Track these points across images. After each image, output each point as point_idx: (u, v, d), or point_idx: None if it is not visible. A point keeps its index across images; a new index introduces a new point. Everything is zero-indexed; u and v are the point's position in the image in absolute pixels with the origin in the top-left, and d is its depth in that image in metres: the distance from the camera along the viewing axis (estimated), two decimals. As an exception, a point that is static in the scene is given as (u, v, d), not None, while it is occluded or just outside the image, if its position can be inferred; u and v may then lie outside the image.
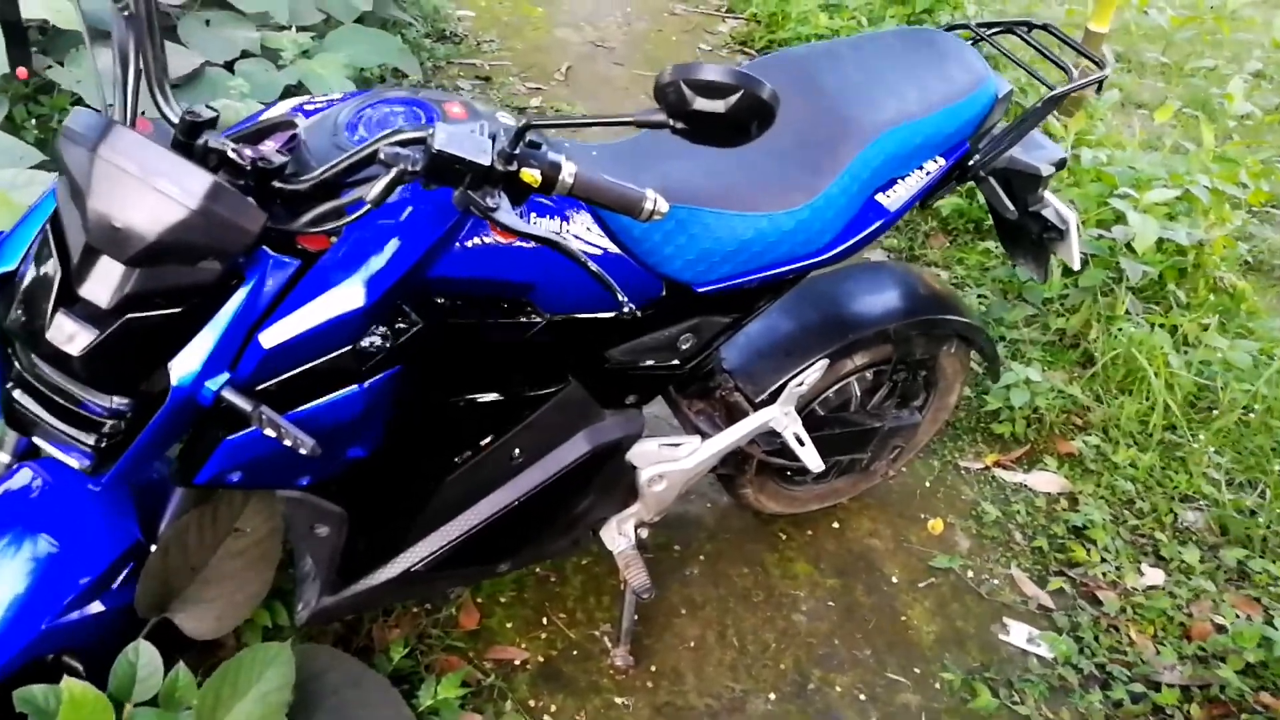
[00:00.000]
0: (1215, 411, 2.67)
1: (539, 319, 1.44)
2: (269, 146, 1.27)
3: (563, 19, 5.00)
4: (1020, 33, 1.85)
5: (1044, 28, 1.84)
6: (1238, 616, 2.15)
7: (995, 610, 2.18)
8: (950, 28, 1.85)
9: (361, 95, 1.39)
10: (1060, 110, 3.26)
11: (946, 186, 1.77)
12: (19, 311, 1.15)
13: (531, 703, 1.87)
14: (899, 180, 1.65)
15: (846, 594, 2.18)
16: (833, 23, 4.57)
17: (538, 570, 2.10)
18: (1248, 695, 1.99)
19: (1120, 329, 2.79)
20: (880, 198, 1.64)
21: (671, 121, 1.11)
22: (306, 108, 1.40)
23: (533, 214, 1.37)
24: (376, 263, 1.23)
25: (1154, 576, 2.27)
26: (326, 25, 3.13)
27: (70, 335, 1.10)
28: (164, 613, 1.48)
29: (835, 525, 2.34)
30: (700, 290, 1.57)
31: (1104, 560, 2.30)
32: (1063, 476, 2.53)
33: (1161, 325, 2.80)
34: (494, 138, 1.13)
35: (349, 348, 1.24)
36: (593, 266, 1.26)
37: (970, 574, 2.27)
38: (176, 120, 1.20)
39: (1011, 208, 1.83)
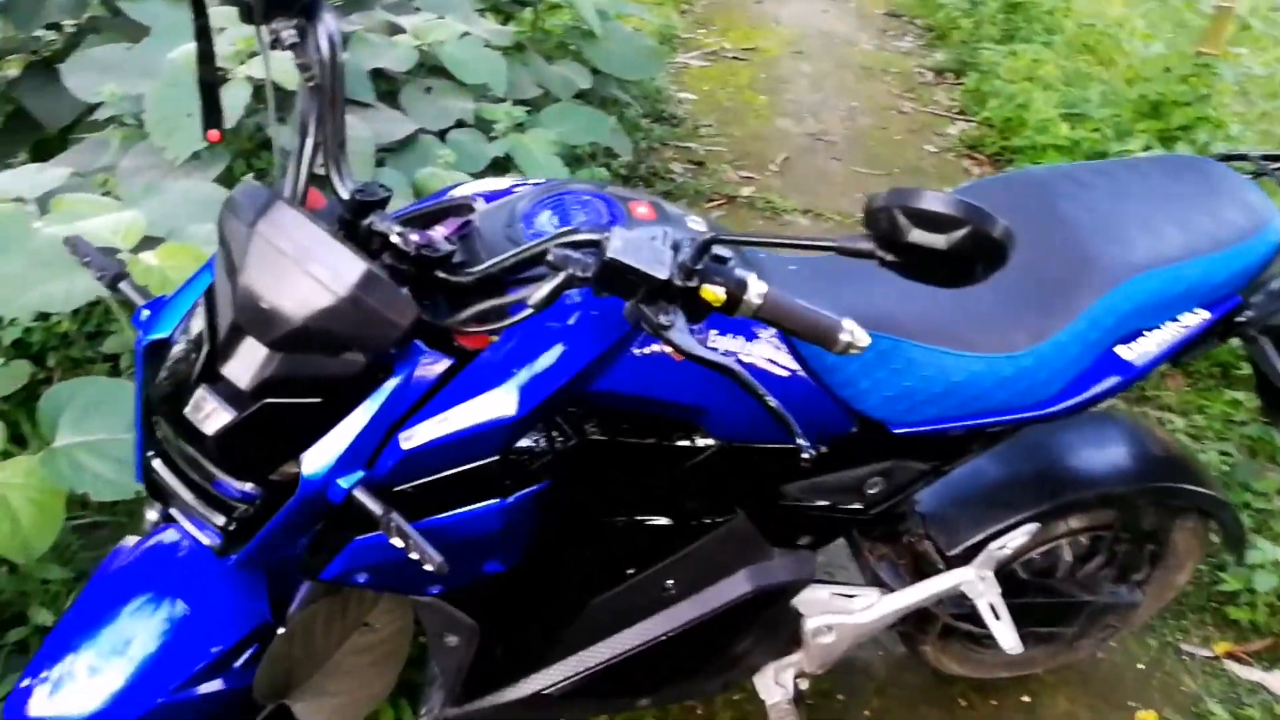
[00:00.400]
0: None
1: (708, 444, 1.29)
2: (439, 232, 1.18)
3: (785, 108, 4.92)
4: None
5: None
6: None
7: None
8: (1225, 158, 1.61)
9: (545, 185, 1.30)
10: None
11: (1207, 343, 1.52)
12: (164, 381, 1.11)
13: None
14: (1146, 333, 1.42)
15: (1029, 782, 1.90)
16: (1074, 133, 4.27)
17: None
18: None
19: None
20: (1122, 350, 1.41)
21: (880, 252, 0.95)
22: (492, 190, 1.33)
23: (713, 330, 1.24)
24: (535, 369, 1.12)
25: None
26: (544, 100, 3.13)
27: (207, 414, 1.04)
28: (282, 699, 1.41)
29: (1025, 699, 2.06)
30: (897, 432, 1.39)
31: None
32: (1312, 681, 2.14)
33: None
34: (676, 248, 1.01)
35: (495, 458, 1.13)
36: (771, 403, 1.11)
37: (1185, 786, 1.93)
38: (347, 197, 1.16)
39: None
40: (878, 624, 1.61)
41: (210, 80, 1.31)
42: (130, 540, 1.43)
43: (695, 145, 4.37)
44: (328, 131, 1.19)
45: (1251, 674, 2.17)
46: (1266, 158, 1.61)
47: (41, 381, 2.09)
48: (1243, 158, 1.63)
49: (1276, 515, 2.52)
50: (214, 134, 1.33)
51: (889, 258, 0.95)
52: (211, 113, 1.33)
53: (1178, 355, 1.49)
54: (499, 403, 1.11)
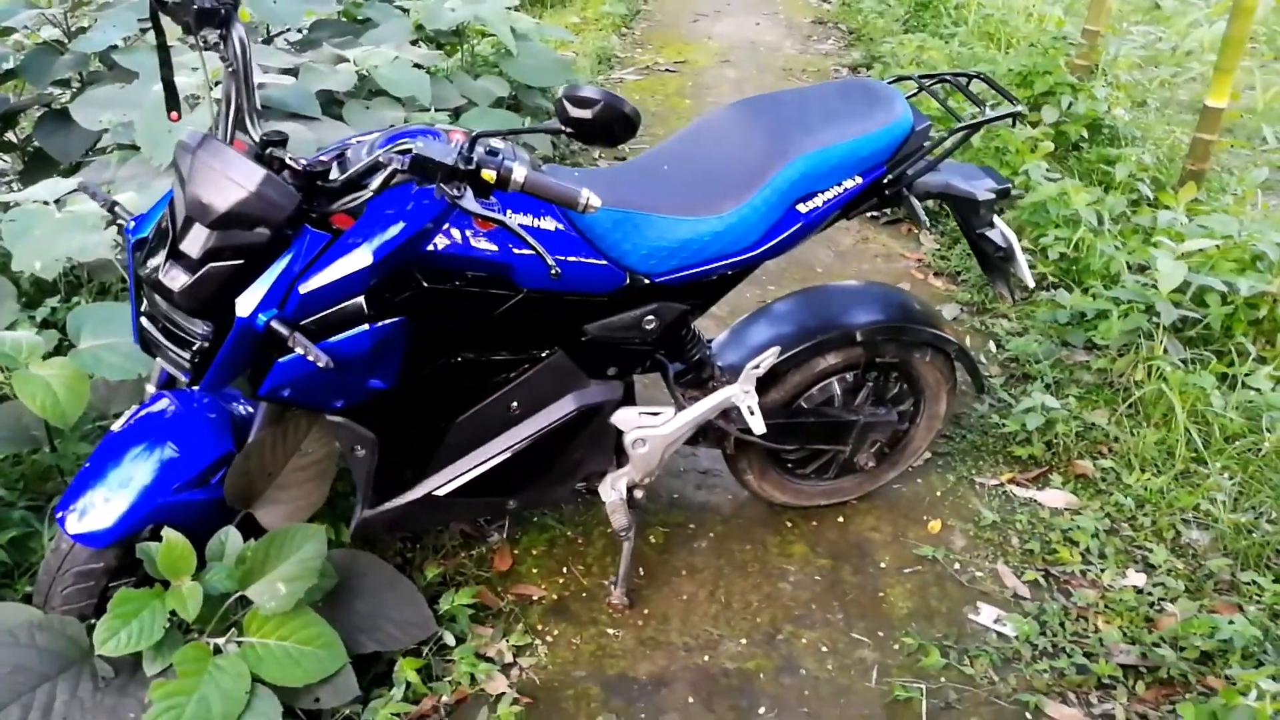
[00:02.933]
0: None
1: (515, 293, 1.90)
2: (325, 158, 1.81)
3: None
4: (959, 84, 2.21)
5: (979, 77, 2.19)
6: (1210, 613, 2.29)
7: (972, 596, 2.42)
8: (895, 80, 2.23)
9: (398, 128, 1.93)
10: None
11: (868, 202, 2.14)
12: (147, 263, 1.72)
13: (539, 627, 2.29)
14: (818, 194, 2.04)
15: (834, 572, 2.48)
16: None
17: (568, 532, 2.54)
18: (1192, 677, 2.14)
19: (1158, 369, 2.96)
20: (800, 207, 2.03)
21: (561, 126, 1.57)
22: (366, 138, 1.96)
23: (509, 209, 1.85)
24: (383, 235, 1.73)
25: (1135, 579, 2.43)
26: (469, 108, 3.79)
27: (174, 278, 1.65)
28: (248, 508, 2.02)
29: (840, 520, 2.64)
30: (656, 280, 2.00)
31: (1088, 563, 2.49)
32: (1072, 494, 2.72)
33: (1196, 365, 2.94)
34: (459, 149, 1.63)
35: (360, 297, 1.75)
36: (530, 239, 1.72)
37: (957, 566, 2.51)
38: (258, 139, 1.78)
39: (925, 220, 2.17)
40: (679, 433, 2.21)
41: (168, 77, 1.95)
42: (133, 408, 2.04)
43: (621, 148, 5.01)
44: (243, 99, 1.81)
45: (1026, 493, 2.75)
46: (924, 77, 2.24)
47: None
48: (907, 78, 2.25)
49: (1065, 381, 3.11)
50: (174, 115, 1.97)
51: (567, 130, 1.57)
52: (171, 98, 1.96)
53: (846, 208, 2.11)
54: (360, 258, 1.72)
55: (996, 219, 2.23)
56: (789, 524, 2.62)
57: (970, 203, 2.17)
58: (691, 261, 2.00)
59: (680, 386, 2.31)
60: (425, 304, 1.82)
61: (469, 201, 1.64)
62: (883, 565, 2.51)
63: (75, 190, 2.71)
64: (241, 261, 1.67)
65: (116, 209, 1.86)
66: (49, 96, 3.64)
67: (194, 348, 1.72)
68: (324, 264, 1.71)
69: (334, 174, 1.77)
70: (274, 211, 1.63)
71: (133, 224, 1.81)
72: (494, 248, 1.85)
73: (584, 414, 2.11)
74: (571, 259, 1.91)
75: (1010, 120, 2.13)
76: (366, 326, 1.77)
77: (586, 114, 1.53)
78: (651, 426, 2.19)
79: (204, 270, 1.64)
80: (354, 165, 1.78)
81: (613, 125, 1.55)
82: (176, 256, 1.66)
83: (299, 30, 4.08)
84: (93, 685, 1.80)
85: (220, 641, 1.85)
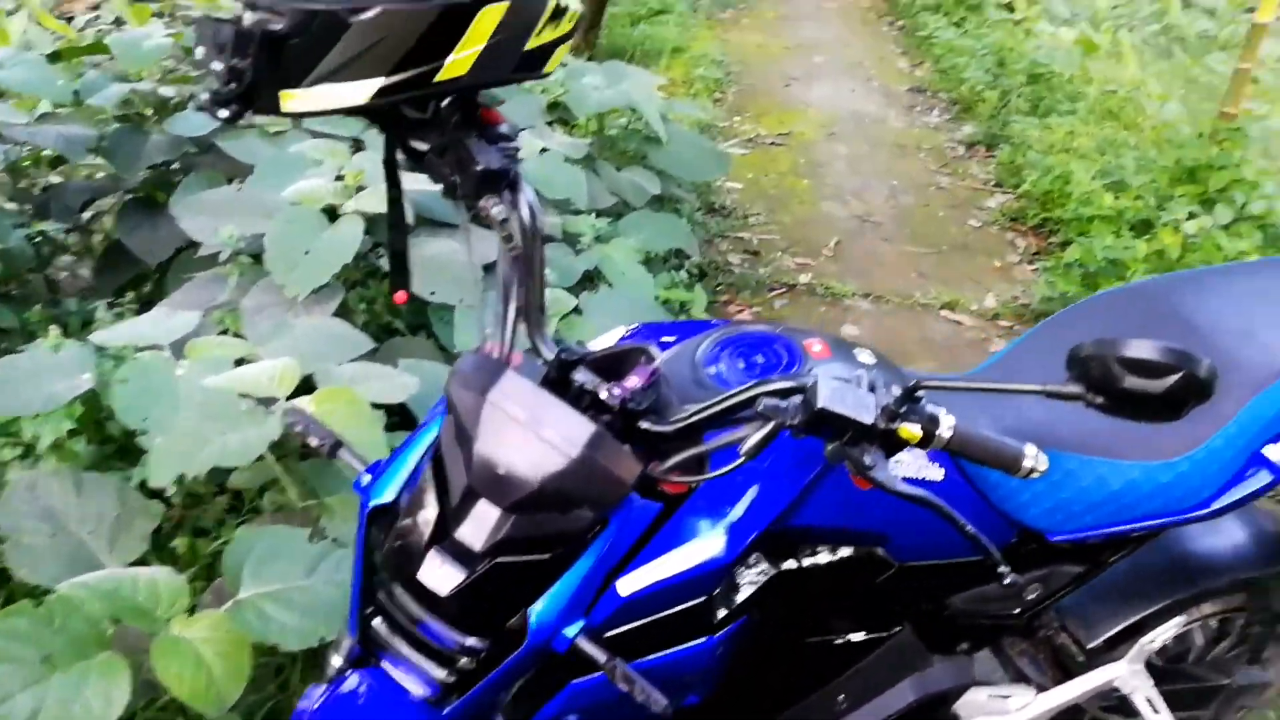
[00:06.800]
0: None
1: (889, 566, 1.35)
2: (634, 383, 1.25)
3: (828, 193, 5.04)
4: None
5: None
6: None
7: None
8: None
9: (717, 327, 1.38)
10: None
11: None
12: (394, 545, 1.16)
13: None
14: (1288, 433, 1.49)
15: None
16: (1118, 203, 4.36)
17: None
18: None
19: None
20: (1270, 451, 1.47)
21: (1090, 396, 1.02)
22: (662, 340, 1.40)
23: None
24: (741, 512, 1.19)
25: None
26: (618, 208, 3.25)
27: (441, 574, 1.10)
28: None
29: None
30: (1055, 540, 1.45)
31: None
32: None
33: None
34: (873, 389, 1.08)
35: (705, 599, 1.20)
36: (969, 530, 1.17)
37: None
38: (550, 356, 1.22)
39: None
40: (1037, 724, 1.65)
41: (400, 247, 1.40)
42: (317, 690, 1.47)
43: (748, 235, 4.48)
44: (529, 297, 1.26)
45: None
46: None
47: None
48: None
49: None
50: (401, 295, 1.41)
51: (1099, 401, 1.02)
52: (400, 274, 1.41)
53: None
54: (709, 546, 1.18)
55: None
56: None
57: None
58: (1114, 520, 1.44)
59: (1008, 640, 1.75)
60: (771, 592, 1.27)
61: (884, 474, 1.09)
62: None
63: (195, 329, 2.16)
64: (547, 556, 1.12)
65: (341, 453, 1.29)
66: (132, 181, 3.08)
67: (455, 666, 1.18)
68: (655, 552, 1.18)
69: (651, 404, 1.21)
70: (611, 489, 1.09)
71: (367, 478, 1.25)
72: (870, 514, 1.30)
73: (926, 704, 1.54)
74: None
75: None
76: (707, 638, 1.22)
77: (1153, 388, 0.98)
78: (1002, 715, 1.63)
79: (490, 567, 1.09)
80: (679, 392, 1.24)
81: (1184, 400, 1.00)
82: (446, 542, 1.10)
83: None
84: None
85: None
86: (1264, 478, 1.47)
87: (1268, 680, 1.90)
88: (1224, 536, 1.80)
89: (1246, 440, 1.44)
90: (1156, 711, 1.63)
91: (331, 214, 2.44)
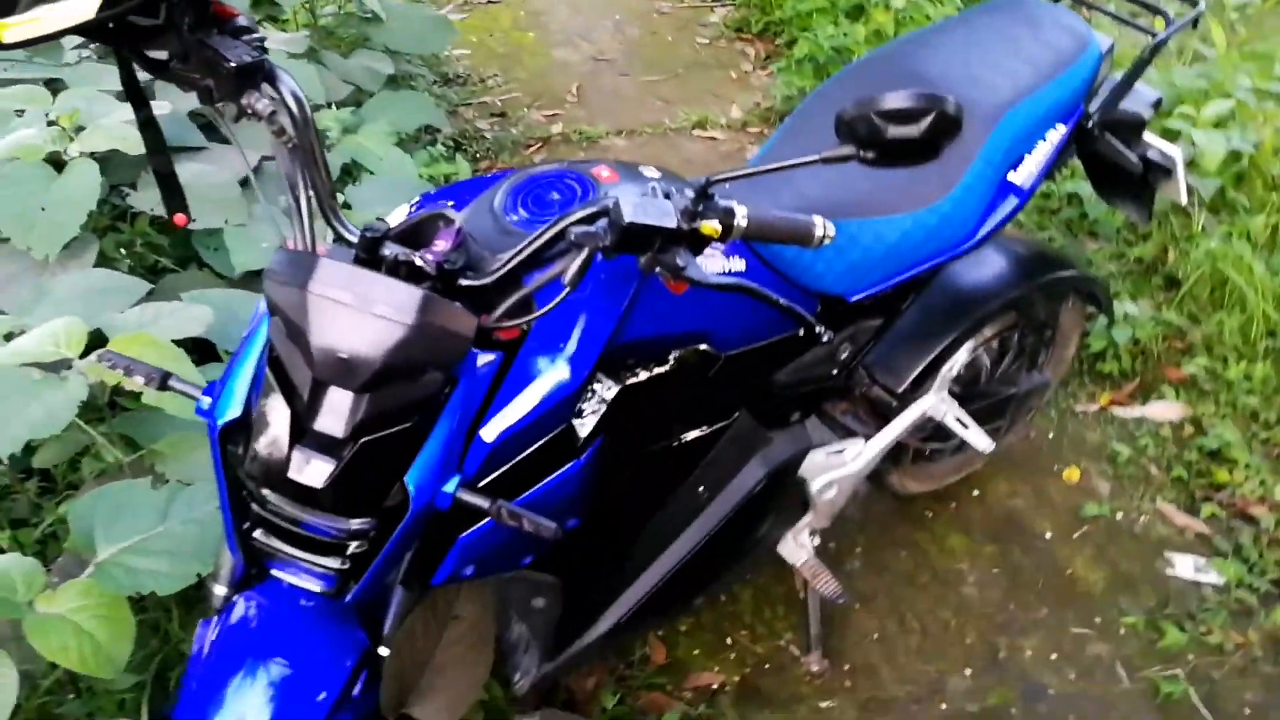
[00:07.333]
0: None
1: (717, 360, 1.46)
2: (443, 246, 1.26)
3: (556, 40, 5.00)
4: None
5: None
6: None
7: (1154, 547, 2.21)
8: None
9: (504, 177, 1.41)
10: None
11: (1069, 151, 1.79)
12: (256, 455, 1.16)
13: (741, 724, 1.90)
14: (1026, 155, 1.67)
15: (1006, 558, 2.21)
16: (827, -10, 4.54)
17: (706, 594, 2.13)
18: None
19: (1198, 246, 2.80)
20: (1013, 177, 1.66)
21: (862, 153, 1.13)
22: (448, 204, 1.42)
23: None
24: (574, 340, 1.25)
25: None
26: (361, 95, 3.14)
27: (312, 469, 1.11)
28: (404, 709, 1.51)
29: (975, 493, 2.37)
30: (853, 300, 1.60)
31: (1248, 478, 2.32)
32: (1181, 403, 2.54)
33: (1234, 234, 2.80)
34: (669, 196, 1.15)
35: (564, 426, 1.27)
36: (783, 302, 1.29)
37: (1119, 515, 2.29)
38: (355, 239, 1.22)
39: (1134, 159, 1.84)
40: (869, 466, 1.85)
41: (166, 169, 1.35)
42: (209, 625, 1.44)
43: (490, 98, 4.41)
44: (317, 185, 1.25)
45: (1132, 412, 2.56)
46: None
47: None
48: None
49: (1112, 275, 2.91)
50: (180, 218, 1.37)
51: (870, 156, 1.12)
52: (172, 197, 1.36)
53: (1052, 168, 1.76)
54: (555, 378, 1.24)
55: (1148, 135, 1.93)
56: (929, 513, 2.32)
57: (1136, 126, 1.86)
58: (899, 269, 1.60)
59: (828, 404, 1.93)
60: (619, 408, 1.36)
61: (696, 270, 1.18)
62: (1048, 536, 2.26)
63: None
64: (408, 425, 1.15)
65: (171, 383, 1.26)
66: None
67: (346, 553, 1.21)
68: (507, 396, 1.23)
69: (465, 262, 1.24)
70: (452, 344, 1.13)
71: (208, 400, 1.23)
72: (690, 314, 1.39)
73: (776, 475, 1.70)
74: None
75: (1193, 24, 1.81)
76: (573, 461, 1.30)
77: (913, 131, 1.10)
78: (841, 466, 1.81)
79: (357, 449, 1.11)
80: (487, 244, 1.28)
81: (940, 139, 1.12)
82: (307, 439, 1.11)
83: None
84: None
85: None
86: (1012, 201, 1.67)
87: (1046, 380, 2.18)
88: (988, 267, 2.02)
89: (992, 171, 1.62)
90: (966, 426, 1.85)
91: (57, 164, 2.26)
